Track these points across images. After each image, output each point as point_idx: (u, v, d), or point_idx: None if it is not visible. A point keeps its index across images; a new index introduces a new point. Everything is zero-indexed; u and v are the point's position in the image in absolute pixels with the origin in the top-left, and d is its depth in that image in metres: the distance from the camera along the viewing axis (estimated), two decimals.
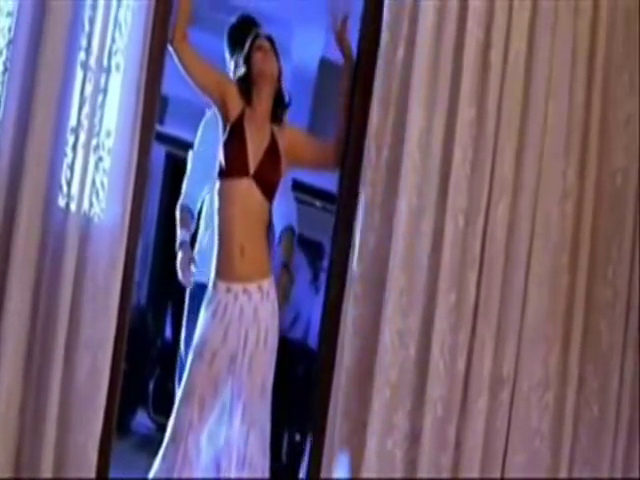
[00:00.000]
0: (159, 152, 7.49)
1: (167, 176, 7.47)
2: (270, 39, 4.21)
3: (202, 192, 4.57)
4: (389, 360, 4.10)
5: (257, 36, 4.21)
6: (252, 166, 4.05)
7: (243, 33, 4.36)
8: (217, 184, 4.10)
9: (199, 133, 4.62)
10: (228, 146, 4.08)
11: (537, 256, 4.25)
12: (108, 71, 3.97)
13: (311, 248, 7.27)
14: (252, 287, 4.03)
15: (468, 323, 4.17)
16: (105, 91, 3.97)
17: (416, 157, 4.13)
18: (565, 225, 4.29)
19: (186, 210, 4.54)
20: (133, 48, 3.97)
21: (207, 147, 4.46)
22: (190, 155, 4.65)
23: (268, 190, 4.07)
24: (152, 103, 4.04)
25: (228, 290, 4.02)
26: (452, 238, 4.15)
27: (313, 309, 6.78)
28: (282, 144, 4.12)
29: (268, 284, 4.07)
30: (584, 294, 4.28)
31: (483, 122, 4.18)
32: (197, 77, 4.10)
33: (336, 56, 4.33)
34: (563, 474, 4.23)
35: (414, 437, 4.11)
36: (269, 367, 4.05)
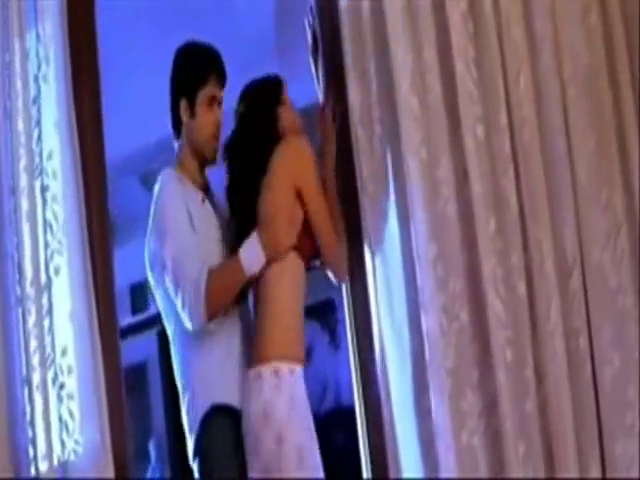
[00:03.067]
0: (150, 338, 7.17)
1: (163, 358, 7.11)
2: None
3: None
4: (442, 347, 3.50)
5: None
6: None
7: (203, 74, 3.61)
8: None
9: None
10: None
11: (574, 104, 3.66)
12: (49, 284, 3.42)
13: (321, 311, 6.92)
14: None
15: (517, 240, 3.56)
16: (50, 312, 3.41)
17: (413, 104, 3.61)
18: (595, 43, 3.70)
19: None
20: (71, 242, 3.46)
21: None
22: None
23: None
24: (107, 294, 3.53)
25: None
26: (476, 157, 3.57)
27: (338, 367, 6.37)
28: None
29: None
30: (632, 105, 3.67)
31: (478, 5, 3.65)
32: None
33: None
34: None
35: (489, 408, 3.50)
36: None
